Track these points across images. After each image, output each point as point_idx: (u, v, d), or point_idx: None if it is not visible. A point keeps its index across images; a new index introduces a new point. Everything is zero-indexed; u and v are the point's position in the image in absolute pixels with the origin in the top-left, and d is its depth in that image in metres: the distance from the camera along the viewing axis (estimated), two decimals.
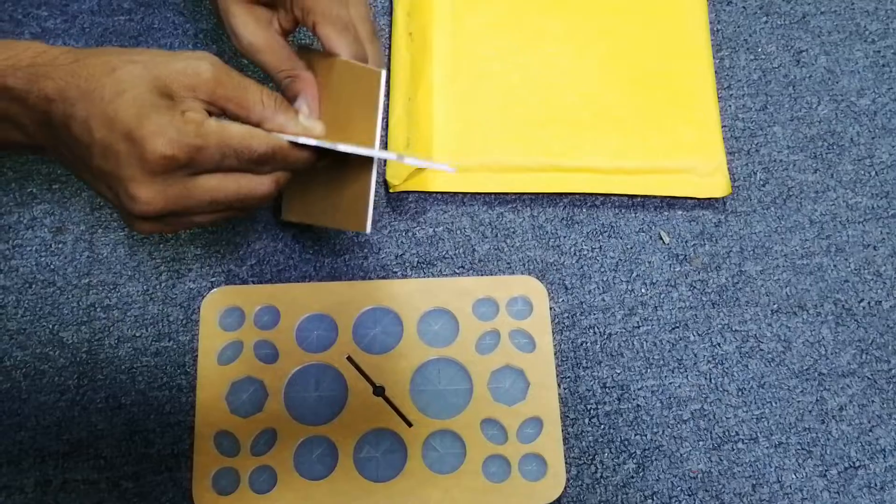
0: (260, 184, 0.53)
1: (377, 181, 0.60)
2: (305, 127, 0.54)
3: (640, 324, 0.67)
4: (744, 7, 0.78)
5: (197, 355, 0.64)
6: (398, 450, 0.61)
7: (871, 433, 0.64)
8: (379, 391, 0.62)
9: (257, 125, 0.53)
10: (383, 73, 0.56)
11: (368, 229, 0.57)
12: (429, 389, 0.63)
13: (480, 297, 0.65)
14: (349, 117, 0.57)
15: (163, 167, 0.48)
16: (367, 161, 0.57)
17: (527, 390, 0.63)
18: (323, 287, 0.65)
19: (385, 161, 0.70)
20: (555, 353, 0.65)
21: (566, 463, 0.62)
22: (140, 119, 0.47)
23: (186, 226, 0.52)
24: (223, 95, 0.51)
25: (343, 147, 0.54)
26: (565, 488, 0.61)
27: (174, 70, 0.49)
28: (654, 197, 0.70)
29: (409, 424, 0.62)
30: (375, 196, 0.58)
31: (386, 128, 0.71)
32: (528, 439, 0.61)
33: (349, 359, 0.63)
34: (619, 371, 0.65)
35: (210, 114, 0.51)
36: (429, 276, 0.67)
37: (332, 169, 0.59)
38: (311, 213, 0.63)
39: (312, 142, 0.54)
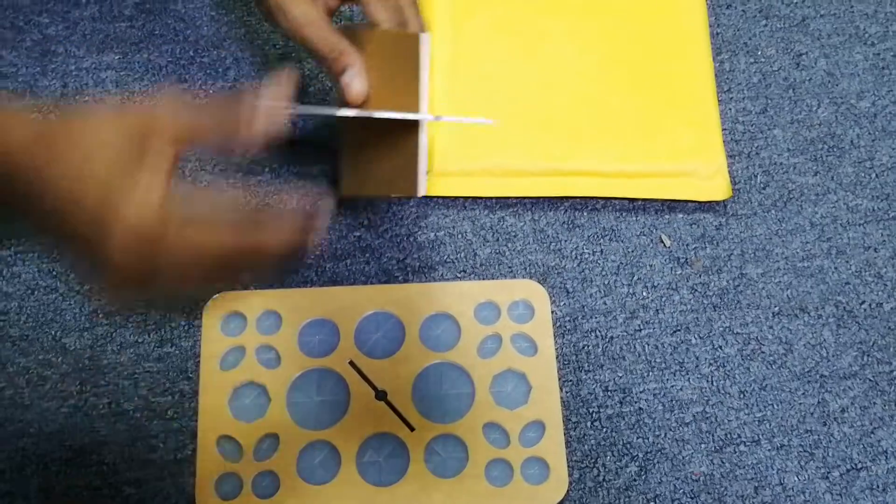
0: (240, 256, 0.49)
1: (425, 144, 0.59)
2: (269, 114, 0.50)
3: (642, 327, 0.67)
4: (743, 10, 0.78)
5: (199, 360, 0.64)
6: (401, 454, 0.61)
7: (873, 435, 0.64)
8: (381, 396, 0.62)
9: (229, 134, 0.50)
10: (424, 35, 0.57)
11: (420, 192, 0.58)
12: (431, 394, 0.63)
13: (482, 301, 0.65)
14: (395, 86, 0.58)
15: (129, 238, 0.46)
16: (413, 125, 0.58)
17: (528, 394, 0.63)
18: (324, 292, 0.65)
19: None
20: (556, 357, 0.65)
21: (568, 466, 0.62)
22: (110, 185, 0.45)
23: (160, 287, 0.50)
24: (187, 132, 0.49)
25: (379, 114, 0.55)
26: (568, 491, 0.61)
27: (137, 119, 0.47)
28: (655, 200, 0.71)
29: (412, 429, 0.62)
30: (424, 160, 0.59)
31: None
32: (531, 443, 0.62)
33: (351, 363, 0.63)
34: (620, 374, 0.65)
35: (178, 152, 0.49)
36: (430, 281, 0.67)
37: (381, 140, 0.60)
38: (365, 185, 0.64)
39: (352, 112, 0.55)
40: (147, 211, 0.46)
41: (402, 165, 0.60)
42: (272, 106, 0.49)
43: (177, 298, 0.65)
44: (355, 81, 0.59)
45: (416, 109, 0.58)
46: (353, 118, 0.58)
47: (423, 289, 0.66)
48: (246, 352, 0.63)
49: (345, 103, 0.59)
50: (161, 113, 0.48)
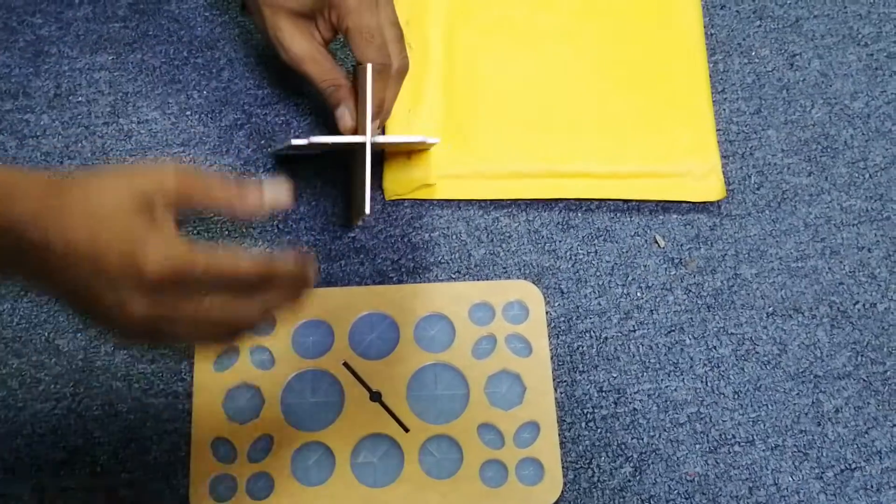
0: (247, 309, 0.50)
1: (371, 168, 0.62)
2: (272, 200, 0.53)
3: (636, 327, 0.67)
4: (737, 11, 0.78)
5: (193, 362, 0.64)
6: (395, 455, 0.61)
7: (866, 435, 0.64)
8: (375, 397, 0.62)
9: (229, 213, 0.52)
10: (368, 66, 0.61)
11: (366, 210, 0.60)
12: (425, 395, 0.63)
13: (476, 302, 0.65)
14: (360, 114, 0.63)
15: (158, 281, 0.47)
16: (362, 153, 0.62)
17: (523, 395, 0.63)
18: (318, 293, 0.65)
19: (383, 162, 0.70)
20: (551, 358, 0.65)
21: (563, 467, 0.62)
22: (130, 236, 0.46)
23: (170, 341, 0.52)
24: (189, 194, 0.50)
25: (323, 139, 0.61)
26: (562, 492, 0.61)
27: (141, 179, 0.48)
28: (649, 201, 0.71)
29: (406, 430, 0.62)
30: (372, 186, 0.60)
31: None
32: (525, 444, 0.62)
33: (345, 364, 0.63)
34: (615, 375, 0.65)
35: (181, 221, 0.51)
36: (425, 282, 0.67)
37: (353, 169, 0.65)
38: (354, 213, 0.67)
39: (302, 141, 0.61)
40: (175, 252, 0.47)
41: (357, 190, 0.63)
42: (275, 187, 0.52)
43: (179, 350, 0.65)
44: (345, 116, 0.64)
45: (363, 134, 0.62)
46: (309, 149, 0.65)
47: (417, 289, 0.66)
48: (240, 353, 0.63)
49: (338, 132, 0.65)
50: (166, 174, 0.49)
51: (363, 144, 0.62)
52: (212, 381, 0.63)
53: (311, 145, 0.62)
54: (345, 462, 0.61)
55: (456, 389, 0.63)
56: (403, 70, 0.65)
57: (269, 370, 0.63)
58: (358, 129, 0.64)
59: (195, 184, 0.50)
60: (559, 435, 0.63)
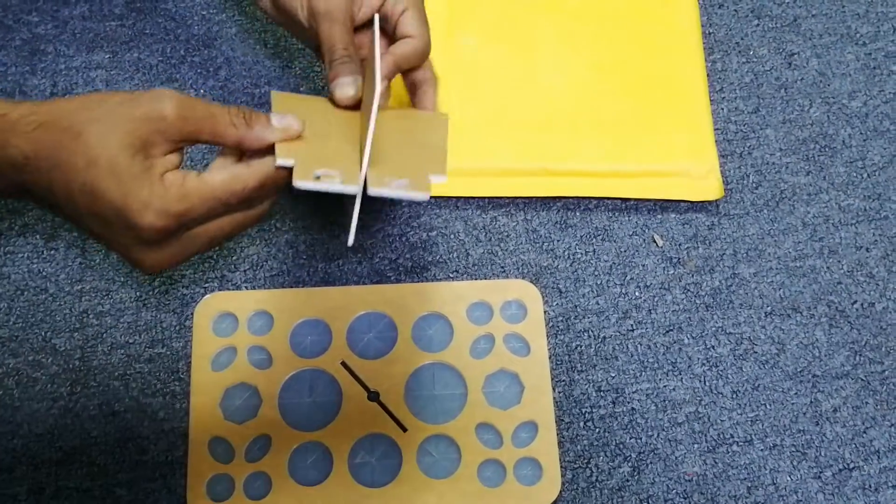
0: (253, 214, 0.52)
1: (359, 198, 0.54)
2: (283, 128, 0.52)
3: (634, 327, 0.67)
4: (735, 10, 0.78)
5: (190, 361, 0.63)
6: (393, 455, 0.61)
7: (865, 434, 0.64)
8: (373, 396, 0.62)
9: (236, 145, 0.52)
10: (376, 16, 0.57)
11: (349, 241, 0.53)
12: (423, 394, 0.63)
13: (475, 301, 0.65)
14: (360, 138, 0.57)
15: (157, 237, 0.48)
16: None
17: (521, 394, 0.63)
18: (316, 293, 0.65)
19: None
20: (549, 357, 0.65)
21: (561, 467, 0.62)
22: (123, 193, 0.47)
23: (191, 256, 0.53)
24: (193, 130, 0.50)
25: (311, 186, 0.51)
26: (560, 492, 0.61)
27: (138, 119, 0.48)
28: (648, 200, 0.71)
29: (404, 429, 0.61)
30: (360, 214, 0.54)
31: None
32: (523, 443, 0.61)
33: (343, 364, 0.63)
34: (613, 374, 0.65)
35: (184, 148, 0.51)
36: (423, 281, 0.67)
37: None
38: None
39: (305, 184, 0.52)
40: (167, 203, 0.48)
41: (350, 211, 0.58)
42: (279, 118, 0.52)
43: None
44: (349, 86, 0.57)
45: (356, 176, 0.53)
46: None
47: (415, 289, 0.65)
48: (237, 352, 0.63)
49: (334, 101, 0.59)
50: (167, 109, 0.48)
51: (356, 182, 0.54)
52: (209, 380, 0.62)
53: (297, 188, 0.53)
54: (342, 462, 0.61)
55: (454, 389, 0.63)
56: (426, 50, 0.61)
57: (266, 370, 0.63)
58: (362, 105, 0.58)
59: (199, 117, 0.50)
60: (557, 434, 0.63)
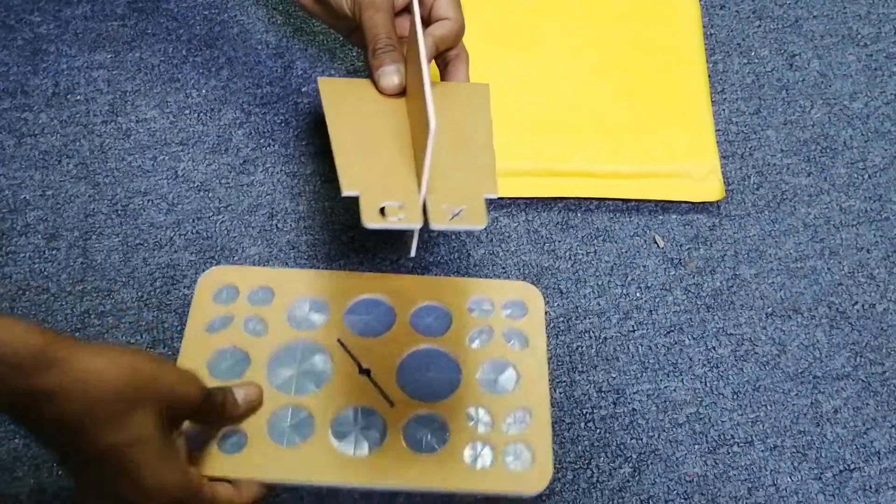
0: None
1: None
2: (246, 403, 0.57)
3: (635, 328, 0.67)
4: (737, 11, 0.78)
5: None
6: (377, 427, 0.59)
7: (865, 436, 0.64)
8: (364, 371, 0.61)
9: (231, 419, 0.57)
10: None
11: (412, 254, 0.57)
12: (416, 376, 0.61)
13: (476, 297, 0.64)
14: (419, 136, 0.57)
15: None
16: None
17: (517, 382, 0.61)
18: (320, 274, 0.64)
19: None
20: (550, 358, 0.65)
21: (562, 467, 0.62)
22: (151, 474, 0.49)
23: None
24: (206, 412, 0.54)
25: (374, 225, 0.53)
26: (551, 482, 0.61)
27: (173, 395, 0.50)
28: (649, 201, 0.71)
29: (392, 404, 0.59)
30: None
31: None
32: (515, 429, 0.60)
33: (339, 340, 0.62)
34: (614, 375, 0.65)
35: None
36: None
37: None
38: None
39: (373, 225, 0.54)
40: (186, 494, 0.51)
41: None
42: (249, 394, 0.57)
43: None
44: (393, 75, 0.60)
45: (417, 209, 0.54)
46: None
47: (417, 280, 0.65)
48: (234, 320, 0.62)
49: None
50: (159, 384, 0.49)
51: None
52: (200, 343, 0.61)
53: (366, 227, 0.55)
54: (324, 427, 0.58)
55: (448, 374, 0.61)
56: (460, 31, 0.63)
57: (260, 337, 0.61)
58: (407, 90, 0.61)
59: (211, 407, 0.54)
60: (557, 435, 0.63)
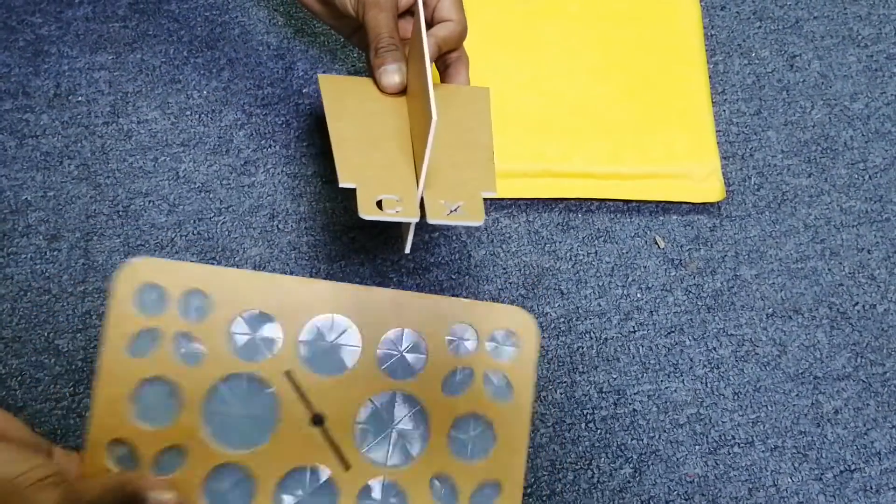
0: None
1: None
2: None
3: (636, 328, 0.67)
4: (737, 12, 0.78)
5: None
6: (328, 494, 0.51)
7: (866, 436, 0.64)
8: (318, 420, 0.51)
9: None
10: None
11: (407, 250, 0.57)
12: (377, 428, 0.52)
13: (459, 324, 0.53)
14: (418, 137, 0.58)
15: None
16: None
17: (492, 447, 0.52)
18: (271, 279, 0.52)
19: None
20: (550, 360, 0.65)
21: (563, 467, 0.62)
22: None
23: None
24: None
25: (370, 217, 0.52)
26: (561, 492, 0.61)
27: None
28: (649, 202, 0.71)
29: (347, 467, 0.51)
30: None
31: None
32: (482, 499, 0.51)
33: (288, 374, 0.51)
34: (615, 376, 0.65)
35: None
36: (425, 282, 0.67)
37: None
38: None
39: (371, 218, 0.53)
40: None
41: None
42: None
43: None
44: (394, 74, 0.60)
45: (414, 202, 0.54)
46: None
47: (392, 296, 0.52)
48: (162, 338, 0.51)
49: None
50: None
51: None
52: (123, 367, 0.50)
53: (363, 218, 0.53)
54: (267, 494, 0.50)
55: (415, 427, 0.52)
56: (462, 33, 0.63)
57: (195, 366, 0.51)
58: (408, 89, 0.60)
59: None
60: (559, 436, 0.63)
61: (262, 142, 0.72)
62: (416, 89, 0.58)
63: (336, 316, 0.52)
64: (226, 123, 0.72)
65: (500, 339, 0.53)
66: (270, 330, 0.52)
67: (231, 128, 0.72)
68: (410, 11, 0.64)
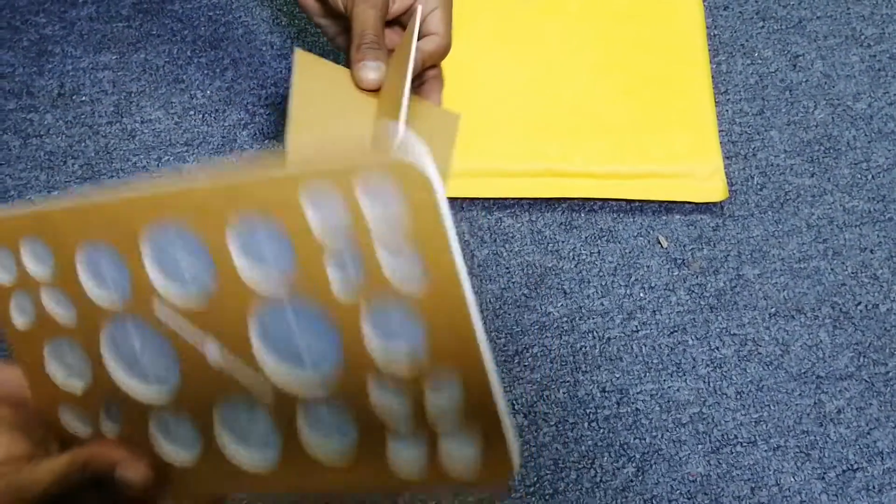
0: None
1: None
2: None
3: (639, 328, 0.67)
4: (740, 12, 0.78)
5: None
6: (263, 421, 0.42)
7: (868, 436, 0.64)
8: (214, 354, 0.41)
9: None
10: (419, 7, 0.54)
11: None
12: (280, 347, 0.40)
13: (315, 191, 0.36)
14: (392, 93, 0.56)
15: None
16: None
17: (421, 335, 0.37)
18: (93, 204, 0.41)
19: None
20: (553, 359, 0.65)
21: (566, 466, 0.62)
22: None
23: None
24: None
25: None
26: (563, 490, 0.61)
27: None
28: (652, 201, 0.71)
29: (272, 397, 0.41)
30: None
31: None
32: (445, 402, 0.38)
33: (157, 313, 0.41)
34: (617, 375, 0.65)
35: None
36: None
37: None
38: None
39: None
40: None
41: None
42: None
43: None
44: (372, 71, 0.58)
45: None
46: None
47: (225, 182, 0.37)
48: (33, 298, 0.44)
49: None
50: None
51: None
52: (23, 340, 0.45)
53: None
54: (209, 432, 0.43)
55: (318, 339, 0.39)
56: (444, 50, 0.62)
57: (74, 323, 0.43)
58: (381, 92, 0.59)
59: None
60: (562, 435, 0.63)
61: (266, 141, 0.72)
62: (391, 94, 0.56)
63: (169, 226, 0.39)
64: (229, 123, 0.72)
65: (380, 197, 0.35)
66: (116, 262, 0.41)
67: (234, 127, 0.72)
68: (397, 22, 0.62)
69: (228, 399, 0.42)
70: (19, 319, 0.44)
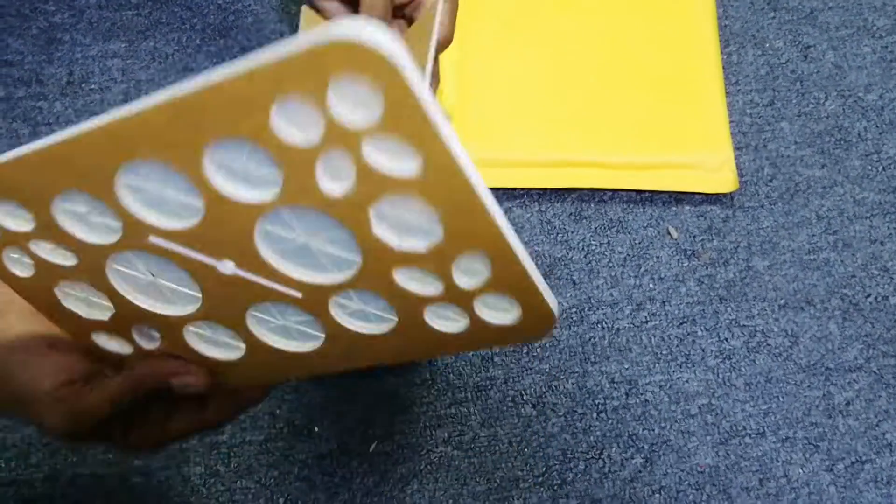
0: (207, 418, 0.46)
1: None
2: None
3: (648, 319, 0.67)
4: (751, 2, 0.78)
5: None
6: (305, 314, 0.41)
7: (877, 428, 0.64)
8: (227, 269, 0.39)
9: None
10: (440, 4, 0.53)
11: None
12: (289, 248, 0.38)
13: (287, 96, 0.32)
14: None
15: (68, 438, 0.44)
16: None
17: (430, 220, 0.34)
18: (52, 149, 0.35)
19: None
20: (563, 349, 0.65)
21: (574, 457, 0.62)
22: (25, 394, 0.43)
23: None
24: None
25: None
26: (572, 481, 0.61)
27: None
28: (662, 192, 0.71)
29: (299, 294, 0.40)
30: None
31: None
32: (473, 282, 0.37)
33: (154, 242, 0.39)
34: (626, 366, 0.65)
35: None
36: None
37: None
38: None
39: None
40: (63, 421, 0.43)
41: None
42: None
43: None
44: None
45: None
46: None
47: (171, 98, 0.32)
48: (23, 251, 0.41)
49: None
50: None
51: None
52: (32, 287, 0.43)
53: None
54: (241, 331, 0.43)
55: (332, 241, 0.37)
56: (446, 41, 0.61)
57: (75, 264, 0.41)
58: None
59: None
60: (570, 426, 0.63)
61: None
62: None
63: (141, 160, 0.35)
64: None
65: (354, 94, 0.30)
66: (96, 205, 0.38)
67: None
68: (402, 15, 0.62)
69: (257, 304, 0.41)
70: (17, 271, 0.42)
